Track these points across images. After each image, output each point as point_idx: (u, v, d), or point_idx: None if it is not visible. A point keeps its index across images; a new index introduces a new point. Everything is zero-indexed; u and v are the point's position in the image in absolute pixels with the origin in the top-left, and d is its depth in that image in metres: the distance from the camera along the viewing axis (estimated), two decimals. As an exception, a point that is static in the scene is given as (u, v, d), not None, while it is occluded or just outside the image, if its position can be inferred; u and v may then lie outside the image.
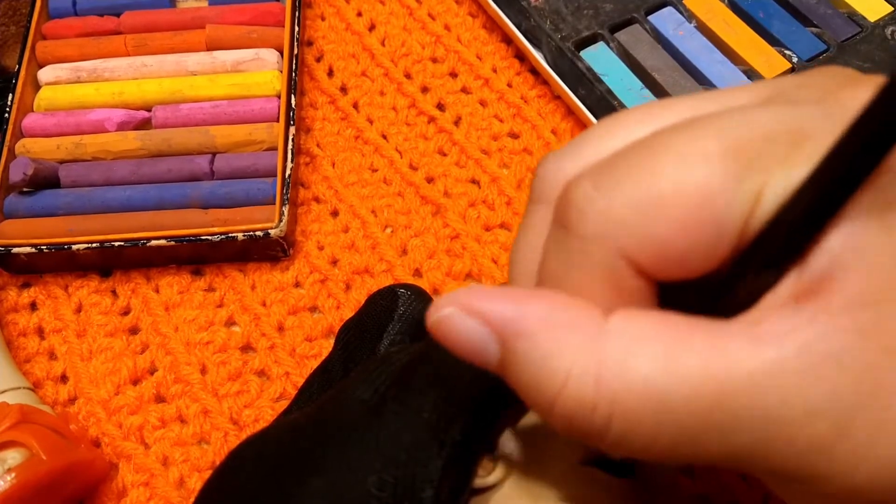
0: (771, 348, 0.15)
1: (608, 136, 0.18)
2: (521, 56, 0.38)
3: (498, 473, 0.20)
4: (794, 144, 0.15)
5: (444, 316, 0.17)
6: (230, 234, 0.32)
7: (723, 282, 0.16)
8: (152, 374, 0.32)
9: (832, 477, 0.15)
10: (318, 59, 0.40)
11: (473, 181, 0.36)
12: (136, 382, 0.32)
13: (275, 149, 0.35)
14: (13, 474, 0.25)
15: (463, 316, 0.17)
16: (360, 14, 0.41)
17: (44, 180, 0.34)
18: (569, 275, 0.17)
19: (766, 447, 0.15)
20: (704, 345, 0.15)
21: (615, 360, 0.15)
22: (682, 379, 0.15)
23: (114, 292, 0.34)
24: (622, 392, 0.15)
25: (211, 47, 0.38)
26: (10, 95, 0.36)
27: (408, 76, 0.39)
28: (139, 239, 0.32)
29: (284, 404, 0.31)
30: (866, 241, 0.15)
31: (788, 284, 0.16)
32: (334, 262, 0.34)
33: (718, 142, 0.16)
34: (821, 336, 0.15)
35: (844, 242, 0.15)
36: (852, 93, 0.16)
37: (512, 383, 0.17)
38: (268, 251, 0.33)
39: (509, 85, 0.38)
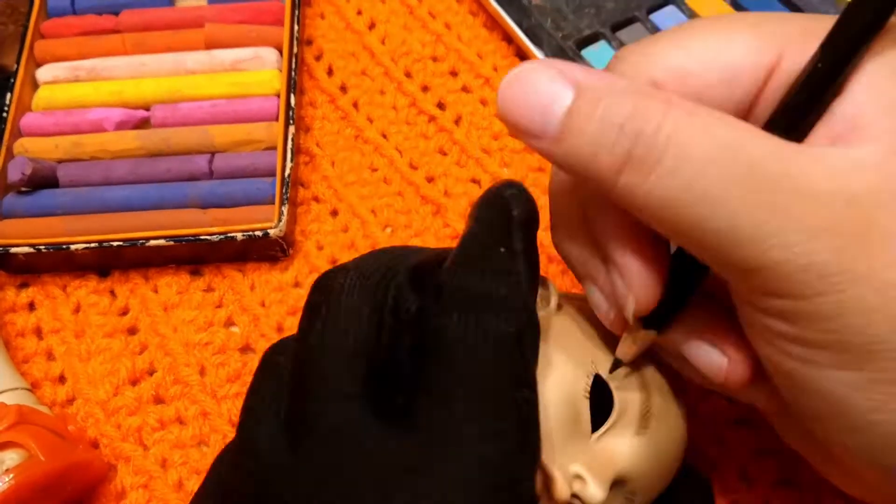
0: (819, 147, 0.17)
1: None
2: (522, 55, 0.38)
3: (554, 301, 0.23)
4: (809, 32, 0.18)
5: (529, 68, 0.18)
6: (229, 234, 0.32)
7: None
8: (151, 374, 0.32)
9: (864, 277, 0.16)
10: (318, 58, 0.39)
11: (474, 181, 0.35)
12: (134, 383, 0.32)
13: (274, 148, 0.35)
14: (11, 475, 0.25)
15: (547, 69, 0.18)
16: (360, 12, 0.40)
17: (42, 180, 0.34)
18: None
19: (803, 223, 0.16)
20: (760, 132, 0.17)
21: (682, 103, 0.17)
22: (739, 134, 0.17)
23: (112, 292, 0.34)
24: (685, 120, 0.17)
25: (210, 46, 0.38)
26: (9, 94, 0.36)
27: (408, 75, 0.39)
28: (138, 239, 0.32)
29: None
30: (886, 89, 0.17)
31: (819, 135, 0.17)
32: (334, 262, 0.34)
33: (742, 20, 0.19)
34: (860, 148, 0.16)
35: (867, 92, 0.17)
36: None
37: (572, 132, 0.18)
38: (267, 251, 0.33)
39: (510, 84, 0.38)
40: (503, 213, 0.22)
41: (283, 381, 0.22)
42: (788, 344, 0.17)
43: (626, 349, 0.21)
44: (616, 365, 0.21)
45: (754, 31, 0.19)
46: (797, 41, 0.18)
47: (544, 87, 0.18)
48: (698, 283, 0.20)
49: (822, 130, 0.17)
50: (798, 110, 0.18)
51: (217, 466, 0.25)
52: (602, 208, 0.20)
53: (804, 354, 0.17)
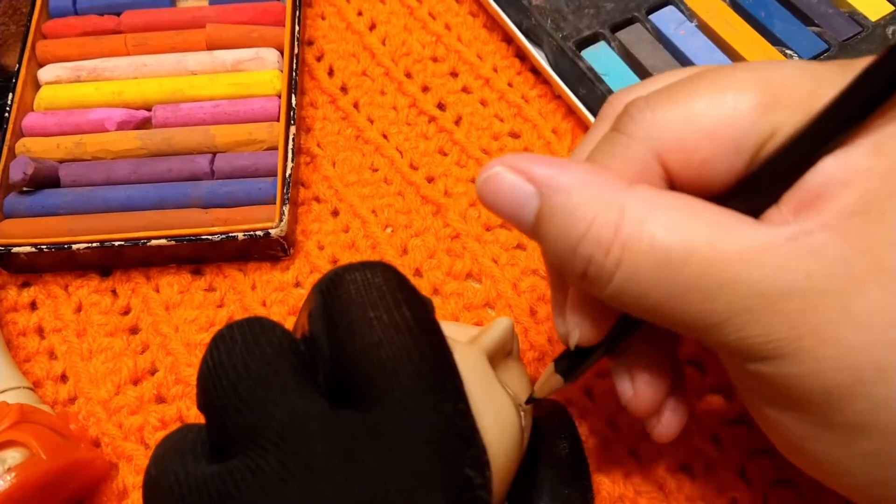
0: (765, 232, 0.18)
1: (669, 78, 0.22)
2: (521, 55, 0.38)
3: None
4: (814, 95, 0.18)
5: (493, 173, 0.20)
6: (230, 234, 0.32)
7: (731, 195, 0.20)
8: (153, 374, 0.32)
9: (795, 355, 0.18)
10: (319, 59, 0.40)
11: (474, 181, 0.35)
12: (136, 382, 0.32)
13: (275, 148, 0.35)
14: (13, 474, 0.25)
15: (510, 173, 0.20)
16: (360, 13, 0.41)
17: (44, 179, 0.34)
18: (610, 161, 0.20)
19: (740, 317, 0.18)
20: (711, 219, 0.18)
21: (633, 214, 0.18)
22: (685, 241, 0.18)
23: (114, 292, 0.34)
24: (634, 241, 0.18)
25: (211, 46, 0.38)
26: (10, 95, 0.36)
27: (408, 75, 0.39)
28: (139, 238, 0.32)
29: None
30: (857, 164, 0.18)
31: (788, 201, 0.19)
32: (335, 262, 0.34)
33: (751, 76, 0.19)
34: (808, 231, 0.18)
35: (837, 165, 0.18)
36: (865, 62, 0.18)
37: (542, 234, 0.20)
38: (268, 251, 0.33)
39: (510, 84, 0.38)
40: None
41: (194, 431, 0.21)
42: (744, 380, 0.20)
43: (542, 388, 0.24)
44: (531, 399, 0.24)
45: (762, 96, 0.19)
46: (800, 108, 0.19)
47: (512, 192, 0.20)
48: (614, 347, 0.23)
49: (790, 196, 0.19)
50: (771, 178, 0.19)
51: None
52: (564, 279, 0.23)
53: (754, 392, 0.20)
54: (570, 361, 0.24)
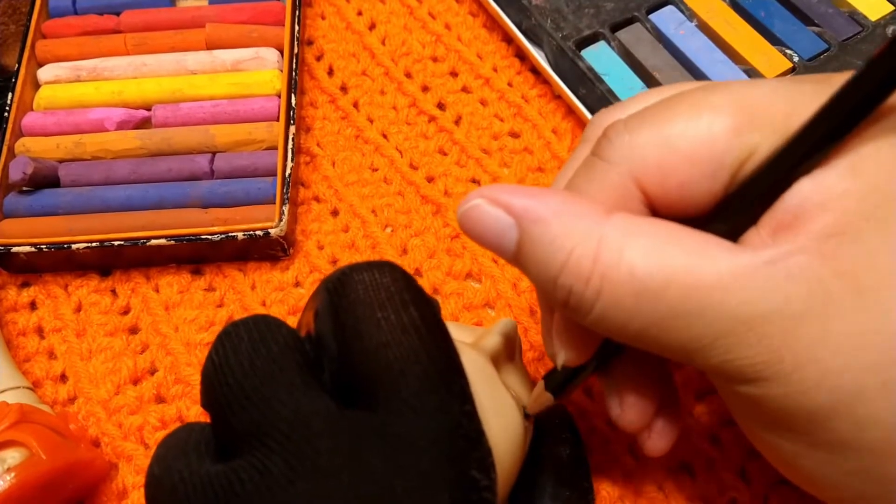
0: (743, 257, 0.18)
1: (649, 98, 0.22)
2: (521, 55, 0.38)
3: None
4: (790, 115, 0.18)
5: (473, 205, 0.20)
6: (230, 234, 0.32)
7: (710, 218, 0.20)
8: (152, 374, 0.32)
9: (777, 378, 0.18)
10: (319, 58, 0.40)
11: (474, 181, 0.35)
12: (136, 382, 0.32)
13: (275, 148, 0.35)
14: (13, 474, 0.25)
15: (489, 205, 0.20)
16: (360, 13, 0.41)
17: (43, 179, 0.34)
18: (589, 188, 0.21)
19: (722, 341, 0.18)
20: (690, 245, 0.18)
21: (611, 243, 0.18)
22: (664, 268, 0.18)
23: (113, 292, 0.34)
24: (613, 271, 0.18)
25: (211, 46, 0.38)
26: (10, 94, 0.36)
27: (408, 75, 0.39)
28: (139, 238, 0.32)
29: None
30: (833, 185, 0.18)
31: (766, 223, 0.19)
32: (334, 262, 0.34)
33: (726, 98, 0.19)
34: (786, 254, 0.18)
35: (814, 186, 0.18)
36: (842, 77, 0.18)
37: (524, 264, 0.20)
38: (268, 250, 0.33)
39: (510, 84, 0.38)
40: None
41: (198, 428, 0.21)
42: (733, 400, 0.20)
43: (533, 405, 0.24)
44: (526, 415, 0.24)
45: (737, 117, 0.19)
46: (776, 128, 0.19)
47: (492, 223, 0.20)
48: (602, 366, 0.24)
49: (768, 218, 0.19)
50: (748, 200, 0.19)
51: None
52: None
53: (744, 411, 0.20)
54: (560, 379, 0.24)
